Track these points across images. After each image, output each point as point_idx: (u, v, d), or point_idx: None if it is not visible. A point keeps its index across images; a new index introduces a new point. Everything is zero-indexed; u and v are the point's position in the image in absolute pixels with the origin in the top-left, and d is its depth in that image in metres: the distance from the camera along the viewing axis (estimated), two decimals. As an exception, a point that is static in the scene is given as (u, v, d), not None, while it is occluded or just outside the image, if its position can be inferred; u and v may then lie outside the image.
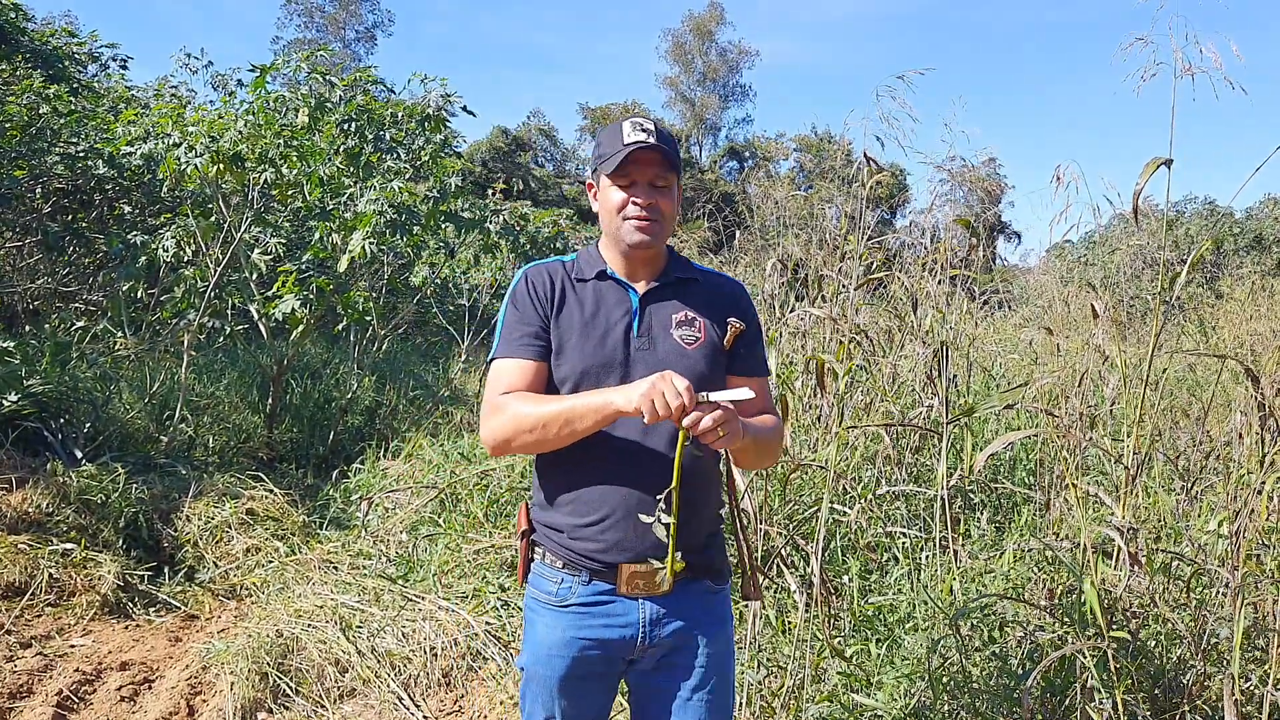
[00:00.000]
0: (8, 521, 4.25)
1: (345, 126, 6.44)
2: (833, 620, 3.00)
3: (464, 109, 7.25)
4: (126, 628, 3.88)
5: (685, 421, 1.51)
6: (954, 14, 75.67)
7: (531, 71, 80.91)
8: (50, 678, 3.36)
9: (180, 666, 3.49)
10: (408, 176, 6.72)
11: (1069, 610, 2.53)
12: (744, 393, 1.55)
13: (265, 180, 5.97)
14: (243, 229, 6.12)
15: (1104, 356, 3.37)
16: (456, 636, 3.43)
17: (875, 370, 4.00)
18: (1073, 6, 73.28)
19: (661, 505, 1.60)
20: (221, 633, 3.80)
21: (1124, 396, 2.95)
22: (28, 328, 7.15)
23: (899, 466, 3.71)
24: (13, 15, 9.56)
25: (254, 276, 6.30)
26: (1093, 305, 2.95)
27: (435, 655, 3.36)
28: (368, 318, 6.74)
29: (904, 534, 3.39)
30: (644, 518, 1.62)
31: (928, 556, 3.19)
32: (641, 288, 1.78)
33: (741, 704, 2.70)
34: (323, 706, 3.17)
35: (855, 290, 3.64)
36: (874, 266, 3.87)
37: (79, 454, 5.11)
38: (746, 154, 40.57)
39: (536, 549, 1.80)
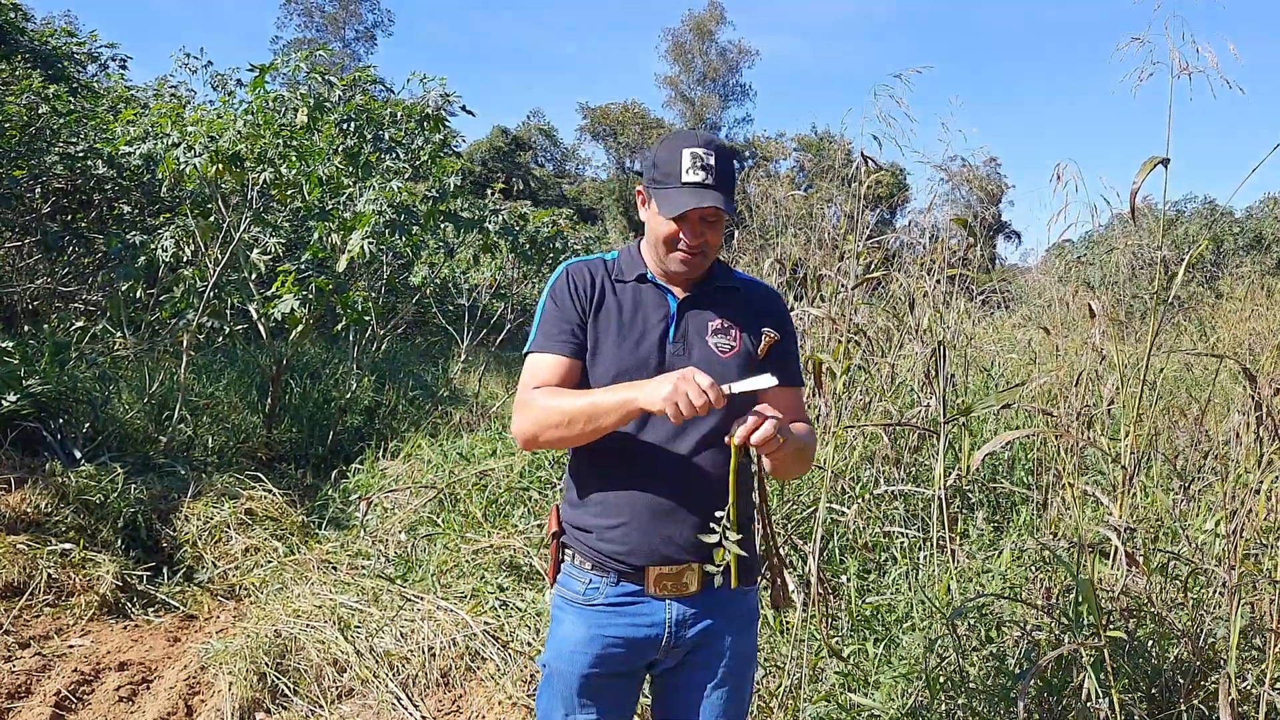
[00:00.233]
0: (6, 521, 4.25)
1: (344, 126, 6.44)
2: (830, 620, 3.00)
3: (463, 109, 7.26)
4: (125, 628, 3.88)
5: (755, 439, 1.51)
6: (954, 14, 75.68)
7: (531, 71, 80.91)
8: (48, 678, 3.36)
9: (179, 667, 3.49)
10: (407, 176, 6.72)
11: (1066, 610, 2.53)
12: (765, 380, 1.56)
13: (264, 180, 5.97)
14: (242, 229, 6.12)
15: (1102, 356, 3.37)
16: (455, 636, 3.43)
17: (873, 370, 4.00)
18: (1072, 7, 73.27)
19: (725, 522, 1.61)
20: (220, 633, 3.80)
21: (1122, 396, 2.95)
22: (27, 328, 7.15)
23: (897, 466, 3.71)
24: (12, 15, 9.56)
25: (253, 276, 6.30)
26: (1089, 304, 2.96)
27: (433, 655, 3.36)
28: (367, 317, 6.74)
29: (902, 534, 3.39)
30: (705, 538, 1.64)
31: (925, 556, 3.19)
32: (680, 293, 1.78)
33: (739, 704, 2.70)
34: (321, 706, 3.17)
35: (853, 290, 3.64)
36: (872, 266, 3.87)
37: (78, 454, 5.11)
38: (746, 153, 40.53)
39: (566, 550, 1.81)
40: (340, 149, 6.53)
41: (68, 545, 4.19)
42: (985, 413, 3.99)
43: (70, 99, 7.95)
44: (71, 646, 3.63)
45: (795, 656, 2.71)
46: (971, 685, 2.54)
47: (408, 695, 3.21)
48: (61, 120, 7.53)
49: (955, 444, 3.68)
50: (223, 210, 6.17)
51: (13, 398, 5.06)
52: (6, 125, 6.96)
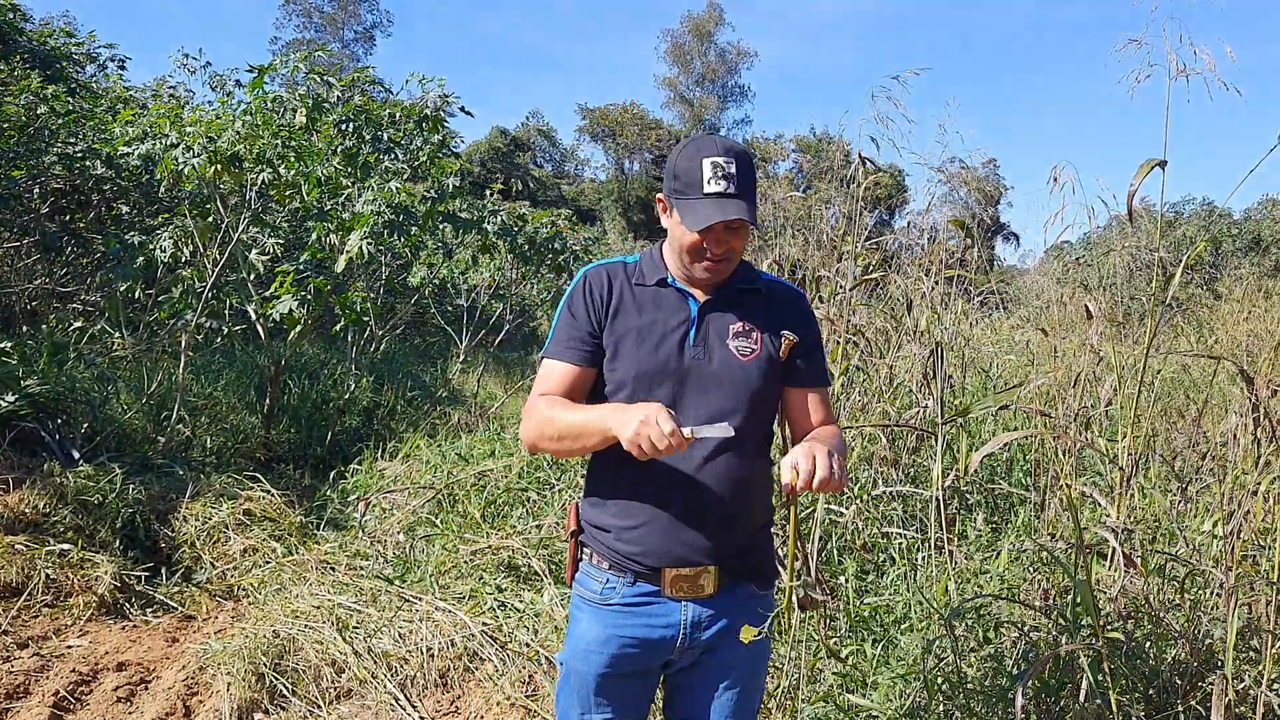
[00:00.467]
0: (4, 522, 4.24)
1: (343, 127, 6.45)
2: (828, 621, 3.01)
3: (462, 109, 7.26)
4: (123, 628, 3.88)
5: (815, 484, 1.51)
6: (955, 14, 75.77)
7: (530, 72, 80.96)
8: (47, 678, 3.36)
9: (177, 667, 3.49)
10: (405, 177, 6.72)
11: (1064, 611, 2.54)
12: (722, 429, 1.57)
13: (263, 180, 5.97)
14: (240, 229, 6.12)
15: (1099, 357, 3.38)
16: (453, 637, 3.43)
17: (871, 371, 4.00)
18: (1073, 6, 73.37)
19: (783, 569, 1.63)
20: (218, 633, 3.80)
21: (1120, 397, 2.96)
22: (25, 328, 7.14)
23: (895, 467, 3.71)
24: (10, 15, 9.55)
25: (251, 277, 6.29)
26: (1087, 306, 2.96)
27: (432, 656, 3.37)
28: (365, 318, 6.74)
29: (900, 534, 3.39)
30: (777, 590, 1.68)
31: (923, 557, 3.19)
32: (701, 296, 1.77)
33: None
34: (319, 707, 3.17)
35: (851, 291, 3.65)
36: (870, 267, 3.87)
37: (76, 454, 5.11)
38: (745, 154, 40.52)
39: (584, 550, 1.82)
40: (339, 149, 6.53)
41: (66, 545, 4.19)
42: (983, 414, 4.00)
43: (69, 99, 7.94)
44: (70, 647, 3.63)
45: (793, 657, 2.71)
46: (969, 686, 2.54)
47: (406, 696, 3.21)
48: (60, 121, 7.53)
49: (953, 445, 3.69)
50: (221, 211, 6.17)
51: (11, 398, 5.06)
52: (5, 126, 6.95)
